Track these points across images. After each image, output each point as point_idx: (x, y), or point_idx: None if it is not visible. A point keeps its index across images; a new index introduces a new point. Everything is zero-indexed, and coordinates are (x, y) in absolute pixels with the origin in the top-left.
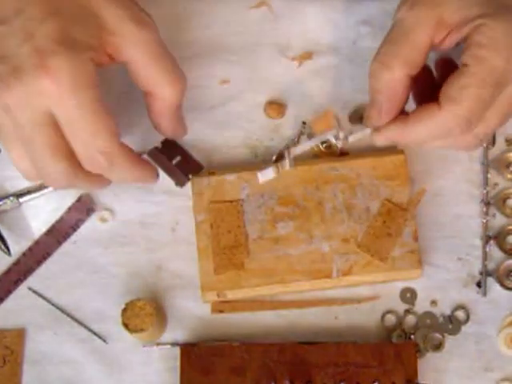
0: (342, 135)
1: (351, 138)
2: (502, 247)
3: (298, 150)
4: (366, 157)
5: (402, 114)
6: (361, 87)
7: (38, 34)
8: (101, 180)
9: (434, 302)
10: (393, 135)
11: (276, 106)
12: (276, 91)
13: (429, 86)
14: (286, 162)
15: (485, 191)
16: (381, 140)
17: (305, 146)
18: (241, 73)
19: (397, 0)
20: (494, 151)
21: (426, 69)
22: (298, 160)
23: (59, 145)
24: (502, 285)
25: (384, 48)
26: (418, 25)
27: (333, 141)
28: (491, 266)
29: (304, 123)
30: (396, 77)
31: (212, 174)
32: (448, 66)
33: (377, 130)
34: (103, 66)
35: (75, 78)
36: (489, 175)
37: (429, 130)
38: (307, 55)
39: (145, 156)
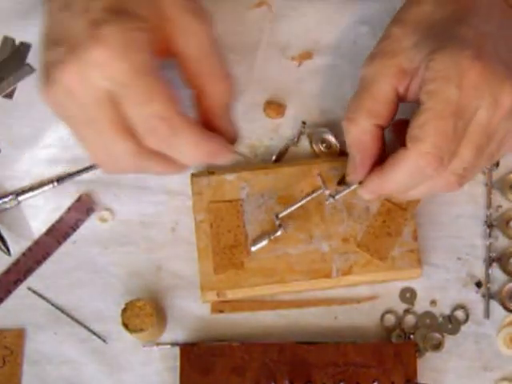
0: (327, 193)
1: (337, 196)
2: (505, 269)
3: (285, 212)
4: None
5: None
6: None
7: (92, 8)
8: (169, 161)
9: (433, 302)
10: (374, 186)
11: (275, 106)
12: (276, 91)
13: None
14: (279, 230)
15: (488, 213)
16: (366, 193)
17: (292, 208)
18: (240, 72)
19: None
20: (498, 172)
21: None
22: (298, 160)
23: (121, 123)
24: (505, 307)
25: (350, 104)
26: (377, 76)
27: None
28: (494, 288)
29: (304, 123)
30: (362, 129)
31: (212, 173)
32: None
33: (360, 184)
34: (156, 54)
35: (126, 42)
36: (492, 196)
37: (404, 175)
38: (307, 55)
39: None
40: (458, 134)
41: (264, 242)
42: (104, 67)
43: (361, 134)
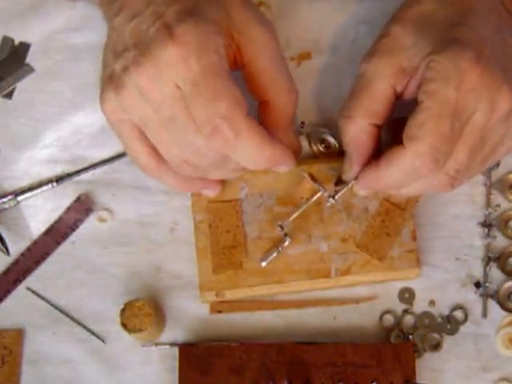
0: (326, 195)
1: (337, 196)
2: (503, 269)
3: (288, 220)
4: None
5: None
6: None
7: (167, 12)
8: (230, 168)
9: (432, 302)
10: (369, 181)
11: None
12: None
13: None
14: (286, 241)
15: (487, 212)
16: (361, 188)
17: (294, 215)
18: (239, 72)
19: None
20: (497, 173)
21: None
22: (298, 160)
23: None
24: (504, 307)
25: (347, 102)
26: (376, 75)
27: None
28: (493, 288)
29: (303, 123)
30: (359, 127)
31: None
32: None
33: (356, 180)
34: (229, 59)
35: (200, 42)
36: (491, 196)
37: (399, 172)
38: (306, 55)
39: None
40: (454, 135)
41: (274, 255)
42: (177, 65)
43: (358, 133)
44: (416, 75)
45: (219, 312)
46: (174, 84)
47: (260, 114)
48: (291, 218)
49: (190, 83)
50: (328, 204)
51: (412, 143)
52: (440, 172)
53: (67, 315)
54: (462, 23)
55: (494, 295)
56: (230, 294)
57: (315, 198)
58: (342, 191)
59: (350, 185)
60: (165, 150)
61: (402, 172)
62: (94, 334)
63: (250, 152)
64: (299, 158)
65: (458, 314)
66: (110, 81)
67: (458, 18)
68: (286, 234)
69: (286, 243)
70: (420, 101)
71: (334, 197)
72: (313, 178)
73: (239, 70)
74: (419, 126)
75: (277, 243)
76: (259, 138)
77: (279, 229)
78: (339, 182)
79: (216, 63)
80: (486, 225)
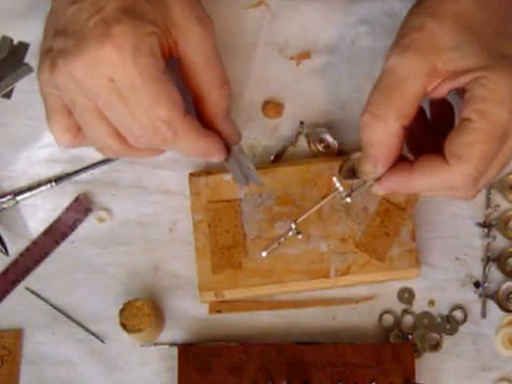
0: (344, 194)
1: (353, 195)
2: (503, 269)
3: (303, 217)
4: None
5: (401, 160)
6: (359, 87)
7: (107, 8)
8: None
9: (431, 302)
10: (395, 186)
11: (274, 106)
12: (274, 91)
13: (421, 127)
14: (299, 235)
15: (487, 212)
16: (383, 190)
17: (309, 212)
18: (239, 72)
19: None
20: None
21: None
22: (296, 160)
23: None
24: (502, 307)
25: (376, 99)
26: (410, 75)
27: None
28: (492, 288)
29: (302, 123)
30: (391, 130)
31: (210, 173)
32: (442, 107)
33: (377, 180)
34: (164, 55)
35: (137, 45)
36: (491, 196)
37: (433, 184)
38: (305, 55)
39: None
40: (495, 156)
41: (275, 245)
42: (113, 67)
43: (387, 136)
44: (450, 80)
45: (218, 312)
46: (109, 78)
47: (196, 107)
48: (305, 216)
49: (128, 86)
50: (343, 202)
51: (458, 163)
52: (473, 189)
53: (66, 315)
54: (507, 34)
55: (494, 295)
56: (229, 294)
57: (331, 196)
58: (359, 189)
59: (368, 184)
60: (88, 130)
61: (437, 184)
62: (93, 334)
63: (187, 147)
64: (240, 142)
65: (458, 314)
66: (47, 55)
67: (502, 27)
68: (298, 232)
69: (290, 234)
70: (468, 118)
71: (349, 195)
72: (334, 175)
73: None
74: (467, 147)
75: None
76: (195, 135)
77: (293, 226)
78: (349, 175)
79: (152, 66)
80: (486, 225)
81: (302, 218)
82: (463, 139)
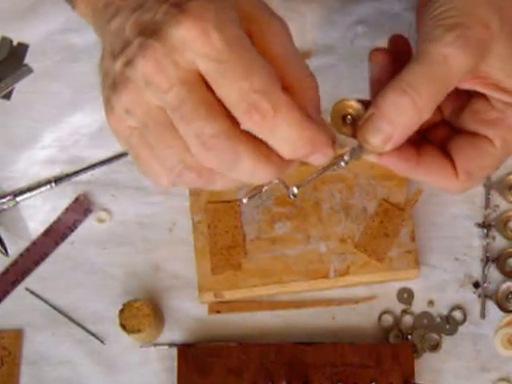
0: (343, 162)
1: (348, 160)
2: (502, 270)
3: (306, 182)
4: None
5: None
6: (358, 87)
7: None
8: (264, 153)
9: (430, 303)
10: (394, 167)
11: None
12: None
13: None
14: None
15: (486, 213)
16: (378, 161)
17: (310, 178)
18: None
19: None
20: (497, 173)
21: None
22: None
23: (213, 103)
24: (501, 308)
25: (417, 82)
26: (463, 72)
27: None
28: (492, 288)
29: None
30: (421, 119)
31: None
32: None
33: (379, 155)
34: None
35: (220, 15)
36: (490, 197)
37: (434, 183)
38: (304, 55)
39: None
40: None
41: (264, 189)
42: (195, 42)
43: (416, 123)
44: (484, 85)
45: (218, 312)
46: (187, 69)
47: None
48: (310, 178)
49: (214, 61)
50: (336, 167)
51: (468, 179)
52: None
53: (66, 316)
54: None
55: (493, 296)
56: (228, 295)
57: (331, 166)
58: (355, 156)
59: (364, 151)
60: (162, 155)
61: (437, 184)
62: (92, 334)
63: (290, 131)
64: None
65: (457, 315)
66: (112, 87)
67: None
68: (294, 196)
69: (276, 181)
70: (491, 140)
71: (347, 163)
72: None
73: None
74: (482, 169)
75: (276, 243)
76: (299, 115)
77: (295, 190)
78: (340, 127)
79: (240, 36)
80: (485, 225)
81: (304, 183)
82: (480, 162)
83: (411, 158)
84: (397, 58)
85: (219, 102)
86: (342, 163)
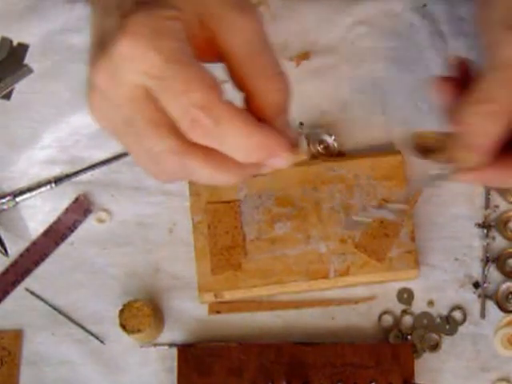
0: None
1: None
2: (502, 270)
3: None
4: (363, 157)
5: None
6: (359, 87)
7: (124, 2)
8: (219, 160)
9: (430, 303)
10: (492, 179)
11: None
12: None
13: None
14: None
15: (486, 213)
16: (472, 180)
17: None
18: None
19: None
20: None
21: None
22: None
23: (161, 119)
24: (501, 308)
25: (497, 88)
26: None
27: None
28: (492, 288)
29: (301, 124)
30: (509, 124)
31: None
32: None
33: (468, 170)
34: (199, 55)
35: (157, 30)
36: (490, 197)
37: None
38: (305, 55)
39: None
40: None
41: None
42: (135, 60)
43: (504, 127)
44: None
45: (218, 313)
46: (132, 82)
47: (247, 105)
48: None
49: (154, 78)
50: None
51: None
52: None
53: (66, 316)
54: None
55: (493, 296)
56: (228, 295)
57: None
58: (442, 178)
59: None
60: (133, 155)
61: None
62: (92, 334)
63: (236, 140)
64: (297, 152)
65: (457, 315)
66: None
67: None
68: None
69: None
70: None
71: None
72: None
73: (219, 62)
74: None
75: (276, 244)
76: (243, 123)
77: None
78: (421, 154)
79: (179, 51)
80: (485, 226)
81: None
82: None
83: (502, 163)
84: (459, 82)
85: (167, 117)
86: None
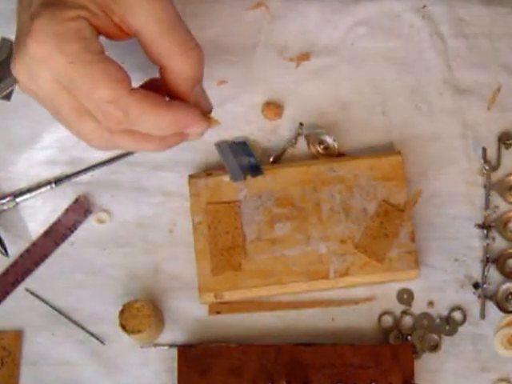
0: None
1: None
2: (502, 271)
3: None
4: (363, 158)
5: None
6: (358, 88)
7: (34, 2)
8: (144, 136)
9: (430, 303)
10: None
11: (273, 107)
12: (273, 92)
13: None
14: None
15: (486, 214)
16: None
17: None
18: (238, 74)
19: (394, 0)
20: (496, 174)
21: None
22: (296, 161)
23: (81, 107)
24: (501, 308)
25: None
26: None
27: None
28: (492, 289)
29: (301, 124)
30: None
31: (209, 175)
32: None
33: None
34: (113, 37)
35: (59, 33)
36: (489, 197)
37: None
38: (305, 56)
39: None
40: None
41: None
42: (45, 62)
43: None
44: None
45: (218, 313)
46: (48, 79)
47: (161, 79)
48: None
49: (64, 77)
50: None
51: None
52: None
53: (66, 316)
54: None
55: (493, 296)
56: (228, 296)
57: None
58: None
59: None
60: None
61: None
62: (92, 335)
63: (149, 123)
64: (210, 120)
65: (457, 315)
66: None
67: None
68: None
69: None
70: None
71: None
72: None
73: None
74: None
75: (276, 244)
76: (152, 107)
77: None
78: None
79: (83, 50)
80: (485, 226)
81: None
82: None
83: None
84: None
85: None
86: None
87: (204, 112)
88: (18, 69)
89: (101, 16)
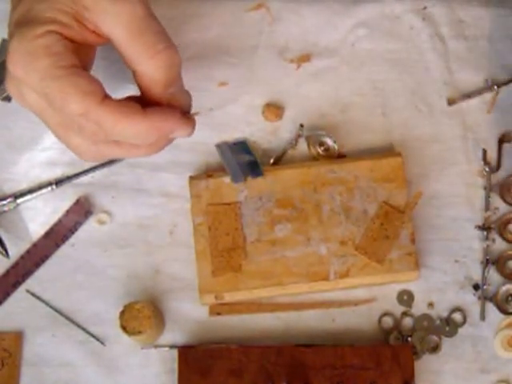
0: None
1: None
2: (502, 272)
3: None
4: (363, 159)
5: None
6: (359, 90)
7: (10, 21)
8: (126, 145)
9: (430, 305)
10: None
11: (274, 109)
12: (274, 94)
13: None
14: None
15: (486, 215)
16: None
17: None
18: (239, 75)
19: (395, 2)
20: (496, 176)
21: None
22: (296, 162)
23: (66, 121)
24: (501, 310)
25: None
26: None
27: None
28: (492, 290)
29: (302, 126)
30: None
31: (210, 176)
32: None
33: None
34: (91, 43)
35: (30, 52)
36: (490, 199)
37: None
38: (305, 57)
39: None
40: None
41: None
42: (23, 81)
43: None
44: None
45: (218, 314)
46: (32, 96)
47: (136, 82)
48: None
49: (39, 93)
50: None
51: None
52: None
53: (67, 317)
54: None
55: (493, 298)
56: (229, 297)
57: None
58: None
59: None
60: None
61: None
62: (93, 336)
63: (127, 131)
64: (190, 119)
65: (457, 317)
66: None
67: None
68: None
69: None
70: None
71: None
72: None
73: None
74: None
75: (276, 245)
76: (125, 117)
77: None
78: None
79: (51, 66)
80: (485, 228)
81: None
82: None
83: None
84: None
85: None
86: None
87: (184, 111)
88: (10, 87)
89: (74, 26)
